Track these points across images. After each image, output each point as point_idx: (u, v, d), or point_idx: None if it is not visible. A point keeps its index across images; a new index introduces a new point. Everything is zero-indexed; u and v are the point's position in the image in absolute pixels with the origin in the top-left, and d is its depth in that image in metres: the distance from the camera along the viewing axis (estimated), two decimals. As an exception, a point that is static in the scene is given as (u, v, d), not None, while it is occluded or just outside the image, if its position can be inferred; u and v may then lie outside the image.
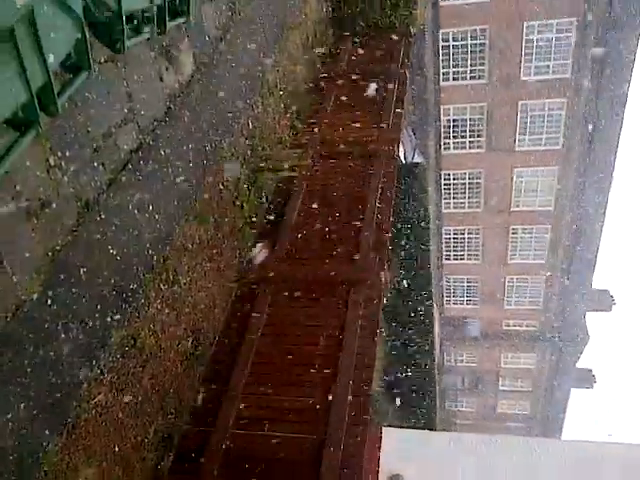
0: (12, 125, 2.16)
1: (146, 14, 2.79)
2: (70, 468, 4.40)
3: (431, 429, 16.25)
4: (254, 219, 7.85)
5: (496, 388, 32.54)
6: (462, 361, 31.76)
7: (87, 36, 2.23)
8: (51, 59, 2.02)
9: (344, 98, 10.25)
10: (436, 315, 19.00)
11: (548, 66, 20.07)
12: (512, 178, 22.95)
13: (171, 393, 5.83)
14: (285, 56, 9.21)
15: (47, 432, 4.17)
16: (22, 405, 3.93)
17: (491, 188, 23.40)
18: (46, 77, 2.05)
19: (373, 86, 10.25)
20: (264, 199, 8.28)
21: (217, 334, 6.76)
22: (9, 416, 3.81)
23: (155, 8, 2.76)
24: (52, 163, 4.24)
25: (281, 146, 8.89)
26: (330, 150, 8.98)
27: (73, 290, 4.47)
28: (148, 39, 2.92)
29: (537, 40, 19.50)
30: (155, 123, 5.58)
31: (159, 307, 5.66)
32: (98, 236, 4.74)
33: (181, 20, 3.19)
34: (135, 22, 2.77)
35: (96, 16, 2.37)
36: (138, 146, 5.29)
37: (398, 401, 15.52)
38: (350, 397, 5.84)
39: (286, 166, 7.87)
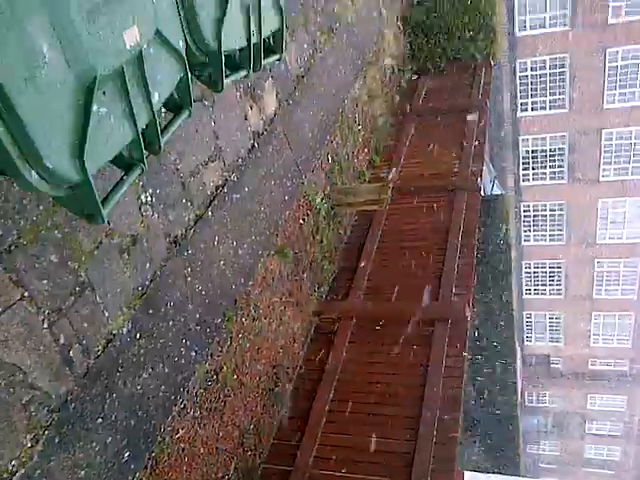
0: (117, 164, 2.20)
1: (243, 52, 2.83)
2: (153, 503, 4.40)
3: (515, 474, 15.43)
4: (333, 253, 7.82)
5: (582, 431, 30.66)
6: (545, 401, 30.20)
7: (189, 75, 2.27)
8: (156, 98, 2.06)
9: (423, 131, 10.16)
10: (517, 353, 18.21)
11: (634, 92, 19.25)
12: (597, 209, 21.94)
13: (251, 429, 5.79)
14: (364, 91, 9.25)
15: (132, 466, 4.19)
16: (109, 438, 3.98)
17: (574, 220, 22.45)
18: (151, 116, 2.09)
19: (453, 118, 10.12)
20: (343, 234, 8.24)
21: (296, 370, 6.69)
22: (97, 449, 3.86)
23: (252, 46, 2.79)
24: (143, 200, 4.37)
25: (360, 180, 8.87)
26: (410, 184, 8.87)
27: (160, 324, 4.54)
28: (245, 76, 2.95)
29: (621, 67, 18.79)
30: (240, 160, 5.69)
31: (240, 342, 5.67)
32: (184, 271, 4.82)
33: (275, 58, 3.22)
34: (232, 61, 2.81)
35: (197, 56, 2.42)
36: (223, 183, 5.40)
37: (479, 442, 14.85)
38: (435, 440, 5.58)
39: (365, 201, 7.81)
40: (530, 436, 30.60)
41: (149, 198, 4.42)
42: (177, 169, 4.74)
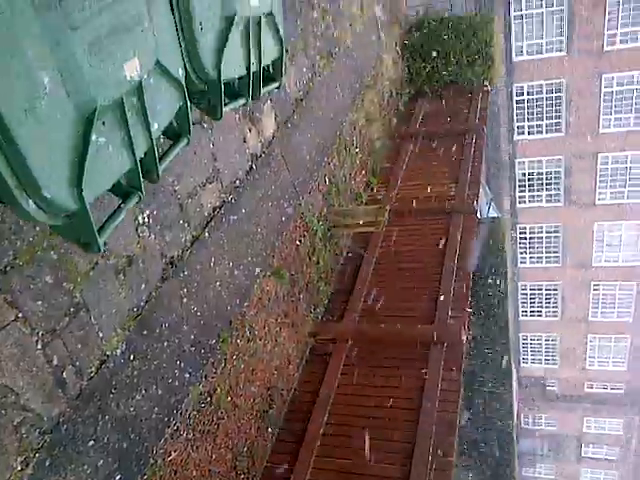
0: (115, 192, 2.22)
1: (242, 81, 2.86)
2: (144, 527, 4.34)
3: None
4: (329, 275, 7.81)
5: (578, 454, 30.37)
6: (541, 424, 29.96)
7: (188, 104, 2.30)
8: (155, 127, 2.08)
9: (420, 154, 10.22)
10: (513, 375, 18.12)
11: (629, 118, 19.43)
12: (593, 232, 22.00)
13: (244, 452, 5.73)
14: (362, 114, 9.33)
15: (124, 489, 4.14)
16: (101, 461, 3.94)
17: (570, 242, 22.49)
18: (150, 145, 2.10)
19: (450, 141, 10.19)
20: (340, 255, 8.25)
21: (291, 392, 6.64)
22: (88, 471, 3.83)
23: (251, 75, 2.82)
24: (140, 221, 4.38)
25: (357, 202, 8.90)
26: (407, 206, 8.90)
27: (154, 345, 4.52)
28: (244, 104, 2.98)
29: (616, 92, 19.00)
30: (237, 182, 5.71)
31: (235, 363, 5.64)
32: (180, 292, 4.81)
33: (274, 85, 3.26)
34: (231, 89, 2.84)
35: (196, 84, 2.45)
36: (221, 204, 5.41)
37: (475, 465, 14.71)
38: (430, 465, 5.53)
39: (362, 222, 7.83)
40: (526, 459, 30.32)
41: (146, 219, 4.43)
42: (175, 190, 4.76)
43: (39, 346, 3.46)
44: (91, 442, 3.85)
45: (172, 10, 2.22)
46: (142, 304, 4.41)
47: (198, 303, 5.03)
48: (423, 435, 5.74)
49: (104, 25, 1.79)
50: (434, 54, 11.61)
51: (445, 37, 11.57)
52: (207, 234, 5.18)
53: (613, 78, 18.75)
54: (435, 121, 11.17)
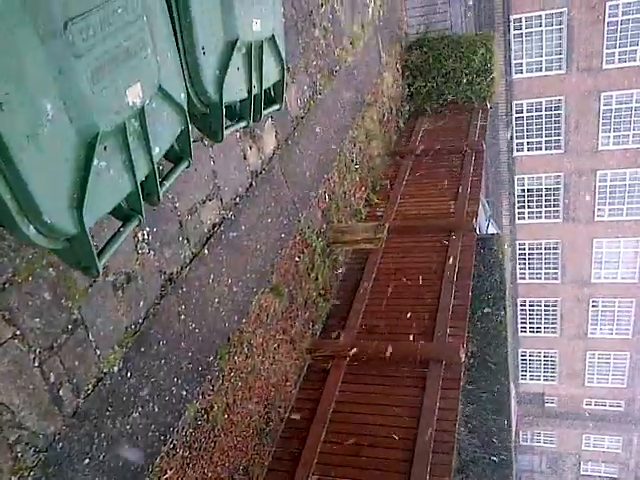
0: (115, 215, 2.22)
1: (243, 103, 2.88)
2: None
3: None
4: (328, 291, 7.80)
5: (577, 472, 30.16)
6: (540, 441, 29.79)
7: (190, 128, 2.31)
8: (156, 151, 2.09)
9: (420, 171, 10.27)
10: (512, 392, 18.03)
11: (628, 135, 19.56)
12: (592, 249, 22.05)
13: (241, 470, 5.69)
14: (362, 131, 9.38)
15: (119, 509, 4.10)
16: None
17: (569, 259, 22.53)
18: (151, 168, 2.11)
19: (449, 158, 10.24)
20: (339, 271, 8.24)
21: (288, 409, 6.60)
22: (84, 490, 3.79)
23: (252, 98, 2.85)
24: (140, 238, 4.38)
25: (356, 219, 8.91)
26: (406, 223, 8.93)
27: (152, 362, 4.50)
28: (245, 127, 3.00)
29: (615, 110, 19.14)
30: (237, 199, 5.73)
31: (232, 380, 5.61)
32: (178, 309, 4.80)
33: (275, 107, 3.28)
34: (233, 111, 2.87)
35: (198, 107, 2.46)
36: (220, 221, 5.42)
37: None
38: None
39: (361, 239, 7.84)
40: (524, 476, 30.11)
41: (146, 236, 4.43)
42: (175, 207, 4.77)
43: (36, 363, 3.44)
44: (86, 460, 3.82)
45: (175, 35, 2.25)
46: (140, 321, 4.39)
47: (196, 320, 5.02)
48: (420, 454, 5.70)
49: (108, 52, 1.80)
50: (434, 73, 11.70)
51: (445, 55, 11.67)
52: (206, 251, 5.18)
53: (612, 96, 18.91)
54: (435, 138, 11.23)
